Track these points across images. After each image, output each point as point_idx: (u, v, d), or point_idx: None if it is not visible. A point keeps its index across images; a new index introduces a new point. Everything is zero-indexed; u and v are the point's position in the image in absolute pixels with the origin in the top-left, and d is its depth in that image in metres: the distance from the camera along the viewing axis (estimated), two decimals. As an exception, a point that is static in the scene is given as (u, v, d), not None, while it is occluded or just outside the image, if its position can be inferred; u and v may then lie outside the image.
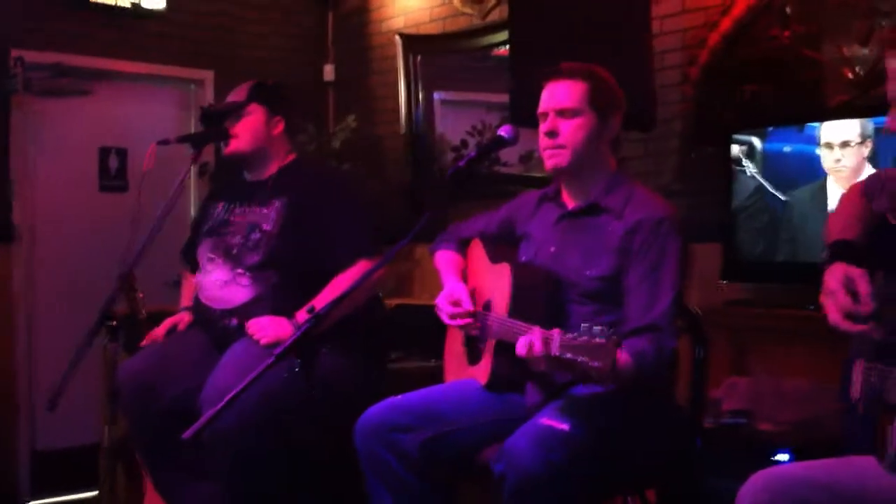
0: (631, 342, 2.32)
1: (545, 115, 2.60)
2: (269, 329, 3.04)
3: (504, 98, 4.21)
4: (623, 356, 2.21)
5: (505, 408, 2.60)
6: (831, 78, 3.72)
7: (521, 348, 2.22)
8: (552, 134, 2.57)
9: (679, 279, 2.47)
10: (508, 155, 4.78)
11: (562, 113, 2.56)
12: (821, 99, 3.74)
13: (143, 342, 3.27)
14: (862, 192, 2.22)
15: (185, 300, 3.47)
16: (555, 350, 2.08)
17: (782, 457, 3.04)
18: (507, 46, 4.44)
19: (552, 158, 2.59)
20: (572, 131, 2.55)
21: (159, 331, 3.30)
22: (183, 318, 3.36)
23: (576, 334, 2.06)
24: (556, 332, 2.10)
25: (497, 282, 2.66)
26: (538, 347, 2.14)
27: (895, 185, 2.17)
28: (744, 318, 3.69)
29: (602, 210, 2.59)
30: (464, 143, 5.28)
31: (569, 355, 2.05)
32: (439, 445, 2.57)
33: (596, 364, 2.02)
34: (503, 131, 2.61)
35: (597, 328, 2.03)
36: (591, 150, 2.58)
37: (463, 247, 2.99)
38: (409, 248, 5.09)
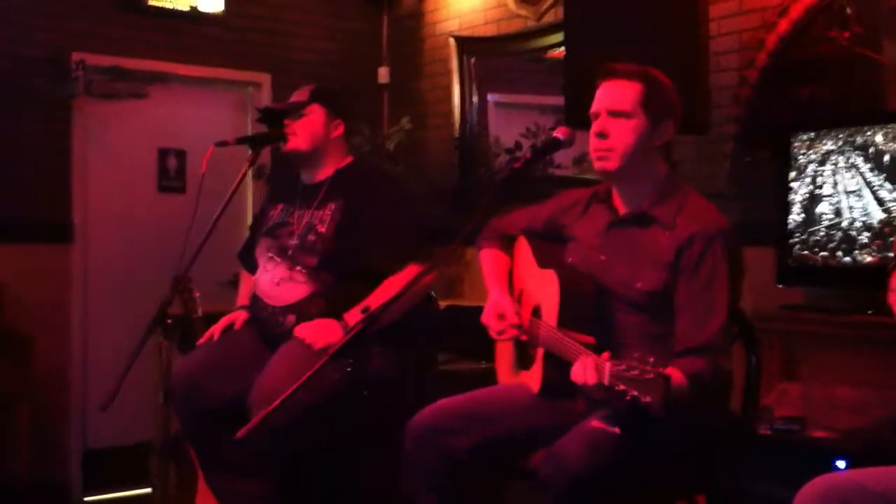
0: (685, 362, 2.29)
1: (597, 114, 2.55)
2: (319, 334, 3.06)
3: (558, 100, 4.20)
4: (676, 380, 2.15)
5: (555, 413, 2.57)
6: (892, 80, 3.66)
7: (575, 376, 2.20)
8: (602, 135, 2.52)
9: (732, 296, 2.42)
10: (562, 157, 4.77)
11: (614, 114, 2.51)
12: (881, 101, 3.68)
13: (200, 341, 3.31)
14: None
15: (242, 299, 3.50)
16: (606, 379, 2.07)
17: (840, 464, 3.00)
18: (562, 48, 4.43)
19: (600, 161, 2.54)
20: (623, 134, 2.50)
21: (216, 329, 3.34)
22: (239, 316, 3.39)
23: (627, 365, 2.04)
24: (607, 361, 2.09)
25: (544, 288, 2.63)
26: (592, 376, 2.13)
27: None
28: (797, 324, 3.62)
29: (652, 220, 2.54)
30: (518, 146, 5.27)
31: (621, 387, 2.04)
32: (487, 450, 2.57)
33: (647, 399, 2.01)
34: (559, 133, 2.60)
35: (650, 360, 2.02)
36: (641, 155, 2.52)
37: (508, 243, 2.93)
38: (459, 251, 5.10)
